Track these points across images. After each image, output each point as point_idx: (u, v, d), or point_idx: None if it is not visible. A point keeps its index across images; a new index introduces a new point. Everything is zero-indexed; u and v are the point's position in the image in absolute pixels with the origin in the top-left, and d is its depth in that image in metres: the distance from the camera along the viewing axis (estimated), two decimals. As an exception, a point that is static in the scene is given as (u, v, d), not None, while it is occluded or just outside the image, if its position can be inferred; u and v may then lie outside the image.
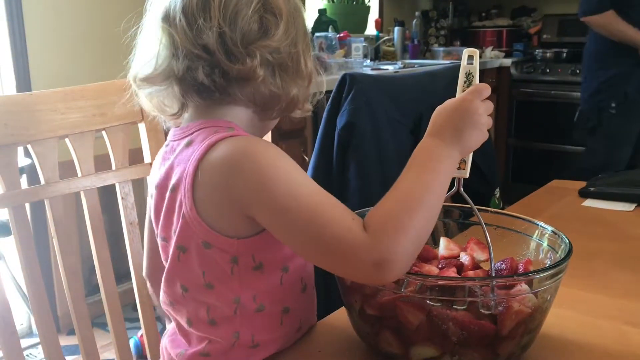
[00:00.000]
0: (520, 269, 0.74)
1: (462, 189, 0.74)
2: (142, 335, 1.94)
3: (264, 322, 0.74)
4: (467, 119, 0.69)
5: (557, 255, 0.74)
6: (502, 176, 3.72)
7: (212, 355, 0.75)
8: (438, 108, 0.72)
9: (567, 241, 0.73)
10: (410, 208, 0.63)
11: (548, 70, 3.54)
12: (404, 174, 0.67)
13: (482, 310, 0.65)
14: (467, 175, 0.73)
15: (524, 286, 0.66)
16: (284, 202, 0.64)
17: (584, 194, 1.41)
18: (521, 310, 0.65)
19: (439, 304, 0.65)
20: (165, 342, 0.83)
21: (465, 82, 0.73)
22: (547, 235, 0.78)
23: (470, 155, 0.72)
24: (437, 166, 0.67)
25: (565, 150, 3.57)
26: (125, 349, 1.04)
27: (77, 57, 2.26)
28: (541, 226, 0.79)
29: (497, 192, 1.74)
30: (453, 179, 0.72)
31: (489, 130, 0.72)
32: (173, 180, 0.71)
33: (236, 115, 0.74)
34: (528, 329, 0.68)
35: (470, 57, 0.73)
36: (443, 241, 0.82)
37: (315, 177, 1.48)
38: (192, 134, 0.72)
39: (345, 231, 0.62)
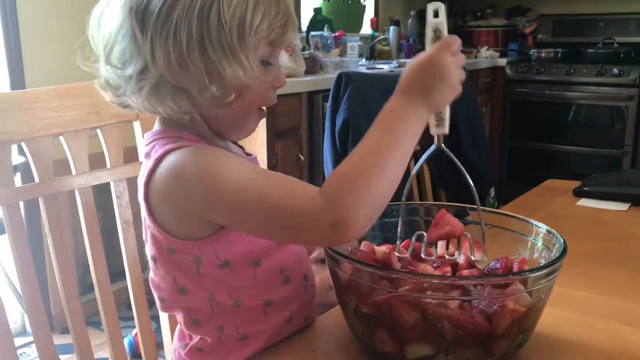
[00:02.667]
0: (515, 268, 0.74)
1: (442, 144, 0.72)
2: (136, 334, 1.93)
3: (245, 316, 0.75)
4: (436, 74, 0.67)
5: (552, 254, 0.74)
6: (497, 176, 3.73)
7: (204, 350, 0.78)
8: (408, 64, 0.69)
9: (562, 240, 0.73)
10: (367, 169, 0.63)
11: (543, 70, 3.55)
12: (366, 134, 0.66)
13: (476, 309, 0.65)
14: (447, 131, 0.71)
15: (519, 285, 0.66)
16: (232, 199, 0.65)
17: (579, 193, 1.41)
18: (516, 310, 0.65)
19: (434, 303, 0.65)
20: (175, 333, 0.86)
21: (433, 37, 0.70)
22: (541, 234, 0.78)
23: (447, 110, 0.70)
24: (400, 125, 0.66)
25: (560, 150, 3.58)
26: (119, 348, 1.04)
27: (71, 55, 2.24)
28: (536, 225, 0.79)
29: (492, 192, 1.75)
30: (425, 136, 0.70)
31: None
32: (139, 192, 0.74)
33: (186, 118, 0.73)
34: (522, 327, 0.68)
35: (437, 12, 0.70)
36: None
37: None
38: (150, 143, 0.74)
39: (297, 200, 0.63)
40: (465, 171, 0.73)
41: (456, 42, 0.68)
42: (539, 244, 0.78)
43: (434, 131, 0.72)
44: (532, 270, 0.68)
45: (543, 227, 0.78)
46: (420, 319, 0.65)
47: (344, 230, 0.62)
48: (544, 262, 0.75)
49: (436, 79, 0.67)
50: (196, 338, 0.78)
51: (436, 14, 0.70)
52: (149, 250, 0.76)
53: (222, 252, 0.72)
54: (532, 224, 0.80)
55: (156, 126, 0.77)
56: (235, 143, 0.84)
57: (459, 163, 0.73)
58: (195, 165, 0.67)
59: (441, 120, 0.71)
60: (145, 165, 0.72)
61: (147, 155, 0.73)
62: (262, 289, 0.75)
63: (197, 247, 0.71)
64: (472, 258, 0.76)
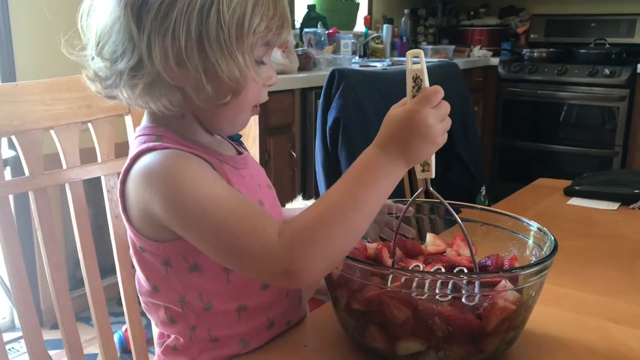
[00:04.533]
0: (506, 265, 0.74)
1: (431, 187, 0.72)
2: (126, 330, 1.93)
3: (217, 319, 0.75)
4: (415, 130, 0.65)
5: (543, 252, 0.75)
6: (488, 174, 3.75)
7: (178, 349, 0.77)
8: (388, 114, 0.67)
9: (553, 238, 0.73)
10: (328, 223, 0.62)
11: (535, 70, 3.56)
12: (336, 183, 0.64)
13: (467, 306, 0.65)
14: (433, 176, 0.70)
15: (509, 283, 0.66)
16: (192, 217, 0.64)
17: (569, 192, 1.42)
18: (506, 307, 0.65)
19: (424, 298, 0.65)
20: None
21: (413, 86, 0.67)
22: (532, 232, 0.78)
23: (433, 156, 0.69)
24: (372, 180, 0.64)
25: (551, 149, 3.60)
26: (109, 343, 1.04)
27: (63, 48, 2.23)
28: (527, 223, 0.80)
29: (483, 190, 1.75)
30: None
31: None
32: None
33: (176, 115, 0.72)
34: (512, 325, 0.68)
35: (417, 58, 0.68)
36: (429, 237, 0.82)
37: (325, 173, 1.48)
38: (135, 139, 0.74)
39: (255, 238, 0.62)
40: (453, 212, 0.73)
41: (437, 94, 0.66)
42: (530, 241, 0.78)
43: (420, 176, 0.71)
44: (522, 268, 0.69)
45: (534, 225, 0.78)
46: (411, 315, 0.65)
47: (294, 280, 0.62)
48: (534, 259, 0.76)
49: (414, 135, 0.65)
50: (171, 337, 0.78)
51: (416, 61, 0.67)
52: (129, 245, 0.77)
53: (191, 256, 0.70)
54: (523, 221, 0.80)
55: (143, 122, 0.76)
56: (232, 138, 0.83)
57: (446, 203, 0.72)
58: (165, 171, 0.66)
59: (427, 166, 0.70)
60: (125, 162, 0.72)
61: (130, 151, 0.73)
62: (236, 293, 0.74)
63: (163, 248, 0.71)
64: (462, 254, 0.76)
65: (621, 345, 0.76)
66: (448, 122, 0.67)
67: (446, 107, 0.67)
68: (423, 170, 0.70)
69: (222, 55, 0.66)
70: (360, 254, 0.77)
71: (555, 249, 0.70)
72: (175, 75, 0.67)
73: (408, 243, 0.81)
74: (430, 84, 0.67)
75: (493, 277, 0.67)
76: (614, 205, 1.34)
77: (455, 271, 0.74)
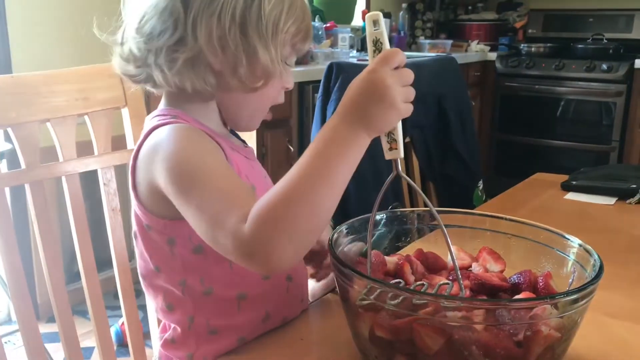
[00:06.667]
0: (540, 283, 0.67)
1: (401, 171, 0.66)
2: (123, 324, 1.92)
3: (216, 306, 0.75)
4: (374, 93, 0.61)
5: (586, 272, 0.67)
6: (485, 169, 3.75)
7: (176, 341, 0.78)
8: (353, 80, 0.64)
9: (597, 257, 0.65)
10: (290, 201, 0.58)
11: (532, 65, 3.56)
12: (301, 156, 0.61)
13: (504, 331, 0.58)
14: (402, 155, 0.65)
15: (555, 309, 0.59)
16: (183, 184, 0.66)
17: (566, 187, 1.42)
18: (550, 335, 0.58)
19: (459, 326, 0.57)
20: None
21: (374, 50, 0.64)
22: (574, 249, 0.70)
23: (399, 132, 0.64)
24: (333, 152, 0.60)
25: (549, 144, 3.60)
26: (106, 337, 1.03)
27: (60, 40, 2.22)
28: (565, 237, 0.72)
29: (481, 185, 1.75)
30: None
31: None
32: None
33: (188, 95, 0.75)
34: (555, 354, 0.61)
35: (376, 23, 0.64)
36: (453, 250, 0.72)
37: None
38: (152, 119, 0.76)
39: (229, 220, 0.60)
40: (423, 195, 0.67)
41: (395, 56, 0.62)
42: (571, 258, 0.70)
43: (388, 156, 0.65)
44: (580, 289, 0.60)
45: (575, 241, 0.70)
46: (445, 345, 0.57)
47: (260, 262, 0.60)
48: (573, 276, 0.68)
49: (373, 99, 0.61)
50: (170, 328, 0.79)
51: (376, 25, 0.64)
52: (133, 225, 0.77)
53: (197, 236, 0.69)
54: (558, 234, 0.72)
55: (161, 105, 0.79)
56: (237, 135, 0.85)
57: (416, 186, 0.68)
58: (170, 140, 0.69)
59: (394, 143, 0.64)
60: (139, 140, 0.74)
61: (143, 130, 0.75)
62: (238, 280, 0.74)
63: (170, 227, 0.72)
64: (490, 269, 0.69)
65: (617, 339, 0.76)
66: (411, 91, 0.63)
67: (409, 74, 0.63)
68: (390, 149, 0.64)
69: (260, 42, 0.71)
70: (379, 269, 0.70)
71: (601, 269, 0.63)
72: (216, 53, 0.71)
73: (429, 256, 0.74)
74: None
75: (550, 302, 0.59)
76: (610, 200, 1.34)
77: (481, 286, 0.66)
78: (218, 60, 0.72)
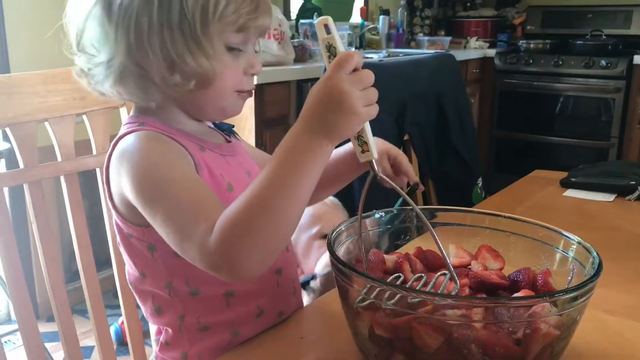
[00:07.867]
0: (540, 280, 0.67)
1: (378, 171, 0.65)
2: (122, 322, 1.92)
3: (205, 305, 0.74)
4: (330, 101, 0.59)
5: (585, 268, 0.67)
6: (484, 166, 3.75)
7: (170, 343, 0.77)
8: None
9: (595, 254, 0.66)
10: (253, 212, 0.58)
11: (531, 62, 3.56)
12: (264, 168, 0.61)
13: (502, 329, 0.58)
14: (376, 156, 0.64)
15: (554, 307, 0.59)
16: (148, 196, 0.65)
17: (565, 184, 1.42)
18: (549, 333, 0.58)
19: (458, 324, 0.57)
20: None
21: (329, 56, 0.62)
22: (570, 243, 0.71)
23: (369, 133, 0.63)
24: (295, 162, 0.60)
25: (548, 141, 3.60)
26: (105, 336, 1.03)
27: (57, 40, 2.21)
28: (565, 235, 0.72)
29: (480, 182, 1.75)
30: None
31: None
32: None
33: (153, 105, 0.72)
34: (554, 352, 0.60)
35: (327, 27, 0.62)
36: (452, 248, 0.75)
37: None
38: (122, 126, 0.75)
39: (195, 231, 0.60)
40: (404, 194, 0.66)
41: (350, 59, 0.60)
42: (570, 255, 0.70)
43: (361, 159, 0.64)
44: (579, 287, 0.59)
45: (574, 239, 0.70)
46: (444, 343, 0.58)
47: (228, 273, 0.60)
48: (572, 273, 0.68)
49: (331, 107, 0.59)
50: (163, 332, 0.78)
51: (327, 30, 0.62)
52: (116, 234, 0.77)
53: None
54: (557, 231, 0.72)
55: (131, 112, 0.77)
56: (222, 129, 0.82)
57: (397, 188, 0.66)
58: (133, 149, 0.68)
59: (365, 145, 0.63)
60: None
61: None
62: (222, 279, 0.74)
63: (147, 233, 0.71)
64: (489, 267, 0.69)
65: (617, 337, 0.76)
66: (372, 93, 0.61)
67: (367, 75, 0.61)
68: (363, 152, 0.64)
69: (186, 43, 0.66)
70: (378, 267, 0.70)
71: (600, 266, 0.63)
72: (140, 63, 0.67)
73: (428, 254, 0.74)
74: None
75: (549, 300, 0.58)
76: (610, 197, 1.34)
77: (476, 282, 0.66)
78: (144, 70, 0.67)
